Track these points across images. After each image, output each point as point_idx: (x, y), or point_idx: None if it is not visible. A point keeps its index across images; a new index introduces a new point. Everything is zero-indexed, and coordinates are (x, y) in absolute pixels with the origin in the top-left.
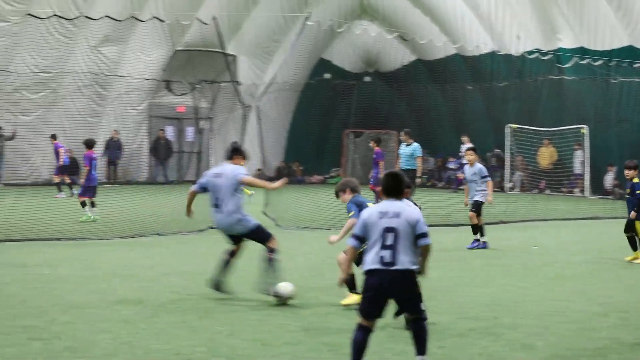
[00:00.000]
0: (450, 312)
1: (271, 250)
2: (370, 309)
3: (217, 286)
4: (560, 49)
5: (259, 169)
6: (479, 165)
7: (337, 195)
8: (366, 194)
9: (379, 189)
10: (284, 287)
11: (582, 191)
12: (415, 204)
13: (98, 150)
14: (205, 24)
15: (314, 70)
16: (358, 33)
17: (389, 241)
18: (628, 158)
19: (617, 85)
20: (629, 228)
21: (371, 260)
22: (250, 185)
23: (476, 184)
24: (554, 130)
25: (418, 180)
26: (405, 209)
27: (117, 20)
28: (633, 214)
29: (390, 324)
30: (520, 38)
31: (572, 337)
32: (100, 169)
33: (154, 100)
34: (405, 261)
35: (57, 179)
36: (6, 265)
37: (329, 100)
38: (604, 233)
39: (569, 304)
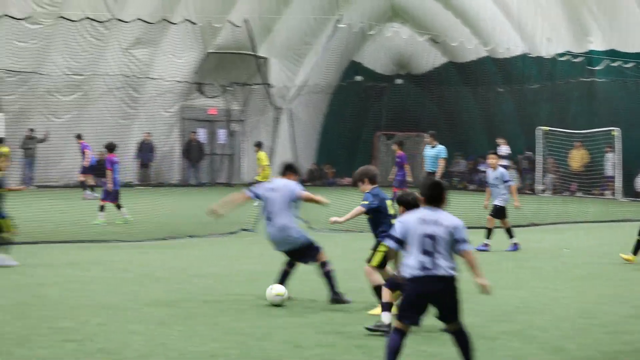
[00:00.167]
0: (481, 315)
1: (324, 264)
2: (408, 314)
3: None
4: (591, 51)
5: None
6: (501, 170)
7: (356, 184)
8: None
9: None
10: (273, 290)
11: (613, 194)
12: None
13: (131, 152)
14: (237, 26)
15: (345, 73)
16: (389, 35)
17: (428, 247)
18: None
19: None
20: None
21: (412, 266)
22: (307, 200)
23: (498, 188)
24: (585, 133)
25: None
26: (445, 217)
27: (148, 22)
28: None
29: (425, 326)
30: (551, 40)
31: (604, 339)
32: (133, 171)
33: (186, 103)
34: (445, 267)
35: (81, 178)
36: (39, 267)
37: (361, 102)
38: (635, 236)
39: (601, 307)
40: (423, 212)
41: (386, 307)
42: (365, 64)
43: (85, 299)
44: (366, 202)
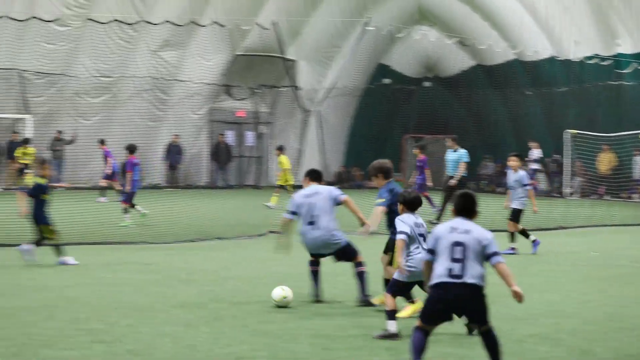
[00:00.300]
0: (509, 318)
1: (359, 264)
2: (432, 318)
3: (318, 299)
4: (619, 55)
5: None
6: (522, 172)
7: (370, 178)
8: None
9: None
10: (279, 291)
11: None
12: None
13: (159, 154)
14: (266, 29)
15: (373, 76)
16: (417, 38)
17: (458, 255)
18: None
19: None
20: None
21: (440, 273)
22: (348, 206)
23: (517, 190)
24: (613, 136)
25: (452, 182)
26: (476, 228)
27: (177, 25)
28: None
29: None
30: (578, 43)
31: (633, 343)
32: (161, 174)
33: (214, 105)
34: (473, 275)
35: (102, 183)
36: (68, 269)
37: (389, 105)
38: None
39: (629, 310)
40: (454, 222)
41: (391, 315)
42: (393, 66)
43: (113, 300)
44: (382, 200)
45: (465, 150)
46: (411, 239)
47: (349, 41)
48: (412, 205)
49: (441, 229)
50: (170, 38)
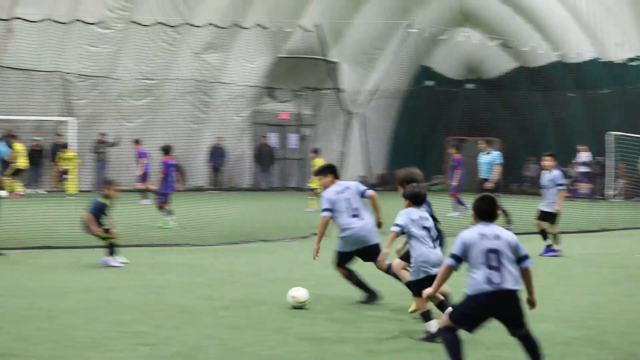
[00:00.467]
0: (555, 320)
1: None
2: (467, 323)
3: (371, 299)
4: None
5: (362, 176)
6: (556, 172)
7: (397, 188)
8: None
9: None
10: (297, 292)
11: None
12: (504, 212)
13: (202, 156)
14: (309, 31)
15: (416, 78)
16: (460, 40)
17: (494, 262)
18: None
19: None
20: None
21: (479, 282)
22: (373, 201)
23: (551, 190)
24: None
25: (488, 185)
26: (503, 232)
27: (220, 27)
28: None
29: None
30: (621, 45)
31: None
32: (204, 176)
33: (257, 107)
34: (511, 281)
35: (139, 185)
36: (113, 271)
37: (432, 107)
38: None
39: None
40: (481, 228)
41: (427, 316)
42: (435, 68)
43: (158, 302)
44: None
45: (498, 152)
46: (410, 234)
47: (392, 43)
48: (416, 199)
49: (470, 236)
50: (213, 40)
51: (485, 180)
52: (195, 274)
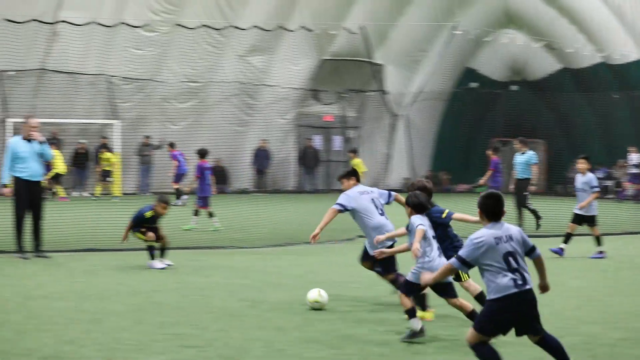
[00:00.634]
0: (599, 322)
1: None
2: (495, 329)
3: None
4: None
5: (407, 178)
6: (590, 175)
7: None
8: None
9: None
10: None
11: None
12: (534, 212)
13: (247, 159)
14: (353, 33)
15: (460, 79)
16: (504, 42)
17: (514, 264)
18: None
19: None
20: None
21: (505, 286)
22: (398, 200)
23: (585, 193)
24: None
25: (533, 188)
26: (511, 229)
27: (265, 30)
28: None
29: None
30: None
31: None
32: (249, 178)
33: (302, 110)
34: (529, 280)
35: (175, 186)
36: (158, 273)
37: (476, 109)
38: None
39: None
40: (493, 231)
41: (412, 312)
42: (480, 70)
43: (204, 305)
44: (448, 210)
45: (533, 152)
46: (427, 241)
47: (436, 45)
48: (418, 208)
49: (484, 240)
50: (257, 43)
51: (521, 180)
52: (241, 276)
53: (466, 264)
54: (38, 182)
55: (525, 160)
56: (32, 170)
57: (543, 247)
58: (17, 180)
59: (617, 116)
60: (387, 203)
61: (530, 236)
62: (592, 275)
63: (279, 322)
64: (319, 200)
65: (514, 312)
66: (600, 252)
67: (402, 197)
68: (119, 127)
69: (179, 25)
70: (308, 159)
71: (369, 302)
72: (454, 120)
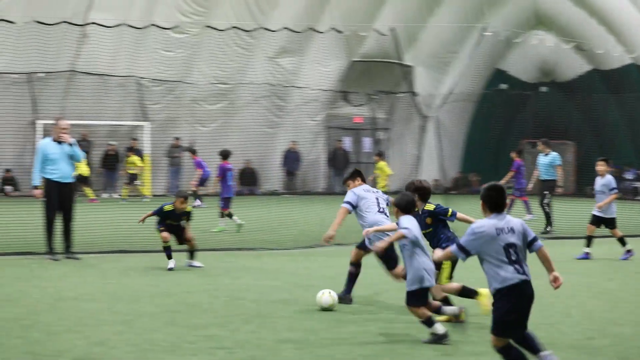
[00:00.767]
0: (630, 324)
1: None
2: (514, 326)
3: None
4: None
5: (437, 180)
6: (609, 177)
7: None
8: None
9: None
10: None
11: None
12: (548, 215)
13: (276, 161)
14: (383, 34)
15: (490, 81)
16: (534, 43)
17: (514, 256)
18: None
19: None
20: None
21: (509, 276)
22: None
23: (605, 195)
24: None
25: (560, 190)
26: (513, 221)
27: (294, 31)
28: None
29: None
30: None
31: None
32: (278, 180)
33: (331, 111)
34: (528, 272)
35: (193, 188)
36: (189, 274)
37: (506, 110)
38: None
39: None
40: (495, 222)
41: (429, 322)
42: (510, 71)
43: (235, 306)
44: (452, 210)
45: (556, 154)
46: (414, 242)
47: (466, 47)
48: (405, 210)
49: (487, 231)
50: (287, 45)
51: (544, 181)
52: (271, 277)
53: (464, 251)
54: (68, 184)
55: (549, 161)
56: (62, 171)
57: (567, 248)
58: (48, 182)
59: None
60: (387, 205)
61: (552, 238)
62: (622, 276)
63: (310, 324)
64: None
65: (523, 301)
66: (628, 252)
67: None
68: (149, 128)
69: (209, 27)
70: (338, 160)
71: (399, 303)
72: (483, 121)
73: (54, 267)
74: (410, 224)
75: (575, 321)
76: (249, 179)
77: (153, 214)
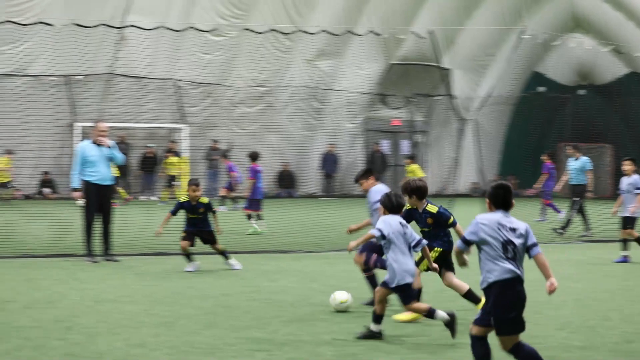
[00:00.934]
0: None
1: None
2: (513, 325)
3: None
4: None
5: (475, 183)
6: (636, 176)
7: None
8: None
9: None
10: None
11: None
12: (569, 220)
13: (314, 163)
14: (422, 37)
15: (528, 84)
16: (572, 46)
17: (510, 254)
18: None
19: None
20: None
21: (504, 270)
22: None
23: (630, 194)
24: None
25: (590, 195)
26: (517, 222)
27: (333, 34)
28: None
29: None
30: None
31: None
32: (316, 182)
33: (369, 114)
34: (523, 276)
35: (223, 193)
36: (228, 277)
37: (543, 113)
38: None
39: None
40: (498, 217)
41: (431, 313)
42: (547, 74)
43: (273, 309)
44: (454, 219)
45: (587, 158)
46: (389, 241)
47: (504, 49)
48: (391, 210)
49: (489, 224)
50: (325, 47)
51: (575, 186)
52: (310, 280)
53: (465, 242)
54: (108, 186)
55: (580, 166)
56: (101, 174)
57: (604, 251)
58: (87, 184)
59: None
60: None
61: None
62: None
63: (350, 327)
64: None
65: (516, 297)
66: (624, 257)
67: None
68: (187, 131)
69: (247, 29)
70: (376, 163)
71: (440, 306)
72: (521, 124)
73: (93, 269)
74: (385, 224)
75: (613, 324)
76: (287, 181)
77: (171, 214)
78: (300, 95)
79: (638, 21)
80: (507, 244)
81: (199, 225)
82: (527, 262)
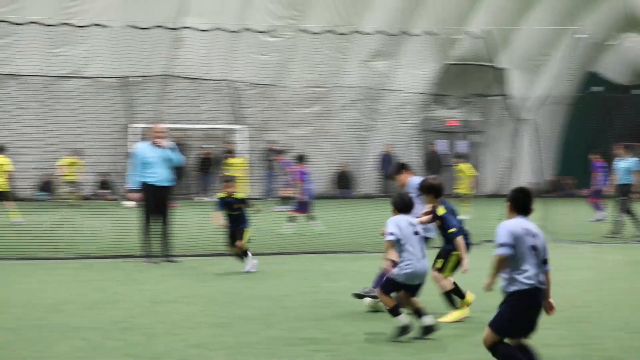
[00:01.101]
0: None
1: None
2: (523, 329)
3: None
4: None
5: (534, 183)
6: None
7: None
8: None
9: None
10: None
11: None
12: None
13: (370, 164)
14: (478, 37)
15: (583, 84)
16: (628, 46)
17: (534, 259)
18: None
19: None
20: None
21: (529, 277)
22: None
23: None
24: None
25: (636, 195)
26: (536, 229)
27: (388, 34)
28: None
29: None
30: None
31: None
32: (373, 183)
33: (426, 114)
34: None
35: (282, 193)
36: (286, 276)
37: (599, 113)
38: None
39: None
40: (522, 222)
41: (395, 311)
42: (603, 74)
43: (333, 309)
44: (454, 230)
45: (636, 159)
46: (400, 242)
47: (558, 49)
48: (401, 210)
49: (516, 228)
50: (381, 48)
51: (622, 185)
52: (368, 280)
53: (507, 246)
54: (165, 187)
55: (627, 166)
56: (159, 175)
57: None
58: (145, 186)
59: None
60: None
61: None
62: None
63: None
64: None
65: (537, 307)
66: None
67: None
68: (244, 132)
69: (302, 30)
70: (432, 163)
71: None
72: (577, 124)
73: (152, 270)
74: (395, 226)
75: None
76: (344, 182)
77: (218, 210)
78: (357, 96)
79: None
80: (532, 249)
81: (236, 223)
82: (581, 262)
